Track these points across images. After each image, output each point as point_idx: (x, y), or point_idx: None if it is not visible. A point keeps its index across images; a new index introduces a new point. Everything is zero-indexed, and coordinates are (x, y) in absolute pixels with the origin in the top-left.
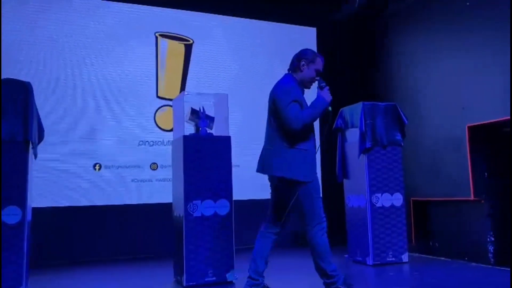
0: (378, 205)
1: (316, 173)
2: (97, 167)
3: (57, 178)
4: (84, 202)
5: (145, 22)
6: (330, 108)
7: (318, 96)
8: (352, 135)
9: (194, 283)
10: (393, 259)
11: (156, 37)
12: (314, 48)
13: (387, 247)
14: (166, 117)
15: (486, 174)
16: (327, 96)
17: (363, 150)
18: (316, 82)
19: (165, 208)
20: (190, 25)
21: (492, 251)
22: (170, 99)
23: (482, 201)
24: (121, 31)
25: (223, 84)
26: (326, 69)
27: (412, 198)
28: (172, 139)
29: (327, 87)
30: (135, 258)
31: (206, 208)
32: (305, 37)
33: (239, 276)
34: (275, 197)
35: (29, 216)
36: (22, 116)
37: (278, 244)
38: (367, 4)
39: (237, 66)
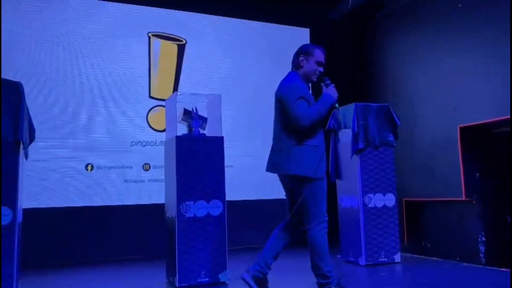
0: (371, 205)
1: (325, 168)
2: (89, 168)
3: (49, 179)
4: (75, 203)
5: (138, 22)
6: (337, 105)
7: (324, 94)
8: (345, 136)
9: (187, 284)
10: (386, 259)
11: (149, 37)
12: None
13: (380, 248)
14: (159, 118)
15: (477, 174)
16: (333, 93)
17: (355, 150)
18: (320, 78)
19: (158, 208)
20: (183, 25)
21: (483, 251)
22: (163, 99)
23: (474, 202)
24: (113, 31)
25: (216, 84)
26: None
27: (404, 199)
28: (164, 140)
29: (333, 84)
30: (127, 259)
31: (198, 208)
32: (298, 37)
33: (231, 277)
34: (289, 196)
35: (20, 217)
36: (13, 116)
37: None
38: (360, 5)
39: (230, 67)
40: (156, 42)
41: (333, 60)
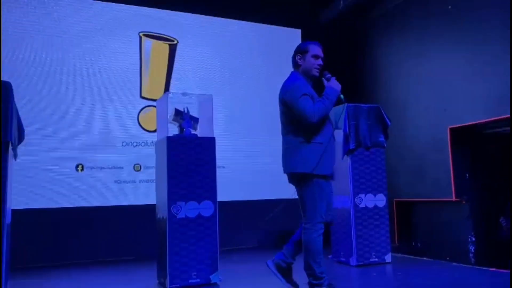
0: (362, 206)
1: (330, 168)
2: (79, 168)
3: (39, 179)
4: (66, 204)
5: (129, 21)
6: (342, 96)
7: (327, 87)
8: (336, 137)
9: (178, 285)
10: (376, 259)
11: (140, 37)
12: None
13: (371, 248)
14: (150, 118)
15: (467, 175)
16: (336, 85)
17: (346, 151)
18: (321, 73)
19: (149, 209)
20: (174, 25)
21: (472, 251)
22: (154, 100)
23: (463, 202)
24: (104, 31)
25: (207, 84)
26: None
27: (395, 199)
28: (155, 140)
29: (333, 77)
30: (118, 260)
31: (190, 209)
32: (290, 38)
33: (223, 278)
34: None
35: (8, 218)
36: (1, 116)
37: (263, 245)
38: (351, 6)
39: (222, 67)
40: (147, 42)
41: (325, 61)
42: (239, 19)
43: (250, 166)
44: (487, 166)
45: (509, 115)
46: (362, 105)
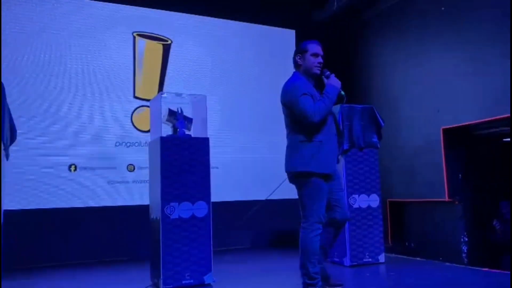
0: (355, 206)
1: (330, 167)
2: (72, 168)
3: (32, 180)
4: (59, 204)
5: (123, 21)
6: (342, 92)
7: (327, 85)
8: None
9: (171, 286)
10: (370, 259)
11: (134, 37)
12: (293, 50)
13: (364, 248)
14: (144, 118)
15: (460, 175)
16: (336, 82)
17: (340, 152)
18: (321, 71)
19: (142, 210)
20: (168, 25)
21: (465, 251)
22: (148, 100)
23: (456, 202)
24: (97, 30)
25: (201, 85)
26: None
27: (388, 199)
28: (149, 140)
29: (333, 74)
30: (111, 261)
31: (183, 210)
32: (284, 39)
33: (216, 279)
34: None
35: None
36: None
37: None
38: (345, 7)
39: (216, 67)
40: (141, 41)
41: (324, 59)
42: (233, 19)
43: (244, 166)
44: (479, 167)
45: (501, 116)
46: (356, 105)
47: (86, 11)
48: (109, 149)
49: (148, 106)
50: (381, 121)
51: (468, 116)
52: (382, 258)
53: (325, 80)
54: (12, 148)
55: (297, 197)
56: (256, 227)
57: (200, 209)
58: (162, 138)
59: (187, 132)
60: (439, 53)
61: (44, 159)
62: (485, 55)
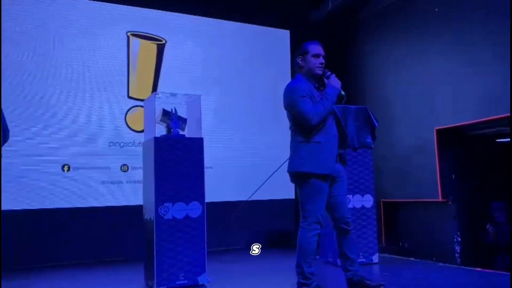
0: (349, 206)
1: (328, 167)
2: (65, 168)
3: (24, 180)
4: (51, 205)
5: (117, 21)
6: (343, 92)
7: (327, 86)
8: None
9: (165, 287)
10: (364, 260)
11: (128, 37)
12: (288, 50)
13: (358, 248)
14: (138, 118)
15: (453, 176)
16: (336, 83)
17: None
18: (325, 70)
19: (136, 210)
20: (162, 24)
21: (458, 251)
22: (142, 100)
23: (450, 203)
24: (91, 30)
25: (195, 85)
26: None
27: (382, 200)
28: (143, 140)
29: (333, 74)
30: (105, 262)
31: (177, 210)
32: (278, 39)
33: (211, 279)
34: None
35: None
36: None
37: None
38: (340, 7)
39: (210, 67)
40: (135, 41)
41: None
42: (228, 19)
43: (238, 166)
44: (473, 167)
45: (495, 117)
46: (350, 106)
47: (80, 10)
48: (103, 149)
49: (142, 106)
50: (375, 121)
51: (462, 116)
52: (376, 258)
53: (326, 81)
54: (5, 148)
55: (292, 197)
56: (251, 227)
57: (194, 210)
58: (156, 139)
59: (181, 132)
60: (433, 54)
61: (37, 159)
62: (479, 56)
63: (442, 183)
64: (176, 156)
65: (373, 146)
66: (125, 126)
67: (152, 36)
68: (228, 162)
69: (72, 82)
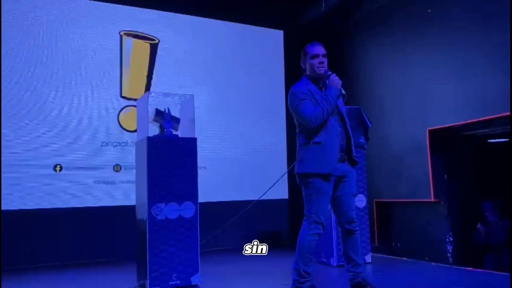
0: None
1: (328, 167)
2: (57, 168)
3: (16, 180)
4: (43, 205)
5: (110, 20)
6: (343, 91)
7: (327, 87)
8: None
9: (158, 287)
10: None
11: (121, 36)
12: (281, 51)
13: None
14: (130, 118)
15: (445, 176)
16: (336, 82)
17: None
18: (325, 70)
19: (129, 211)
20: (155, 24)
21: (450, 251)
22: (135, 99)
23: (442, 203)
24: (84, 29)
25: (188, 84)
26: (295, 73)
27: (375, 200)
28: (136, 140)
29: (333, 74)
30: (98, 262)
31: (170, 211)
32: (272, 39)
33: (203, 280)
34: None
35: None
36: None
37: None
38: (333, 7)
39: (203, 67)
40: (128, 41)
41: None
42: (221, 19)
43: (232, 167)
44: (465, 168)
45: (486, 117)
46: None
47: (72, 9)
48: (95, 149)
49: (135, 106)
50: (368, 122)
51: (454, 117)
52: (368, 258)
53: (326, 81)
54: None
55: (285, 197)
56: (246, 228)
57: (188, 210)
58: (149, 138)
59: (174, 132)
60: (425, 55)
61: (29, 159)
62: (471, 57)
63: (435, 183)
64: (169, 156)
65: (366, 147)
66: (118, 126)
67: (145, 35)
68: (221, 162)
69: (64, 81)
